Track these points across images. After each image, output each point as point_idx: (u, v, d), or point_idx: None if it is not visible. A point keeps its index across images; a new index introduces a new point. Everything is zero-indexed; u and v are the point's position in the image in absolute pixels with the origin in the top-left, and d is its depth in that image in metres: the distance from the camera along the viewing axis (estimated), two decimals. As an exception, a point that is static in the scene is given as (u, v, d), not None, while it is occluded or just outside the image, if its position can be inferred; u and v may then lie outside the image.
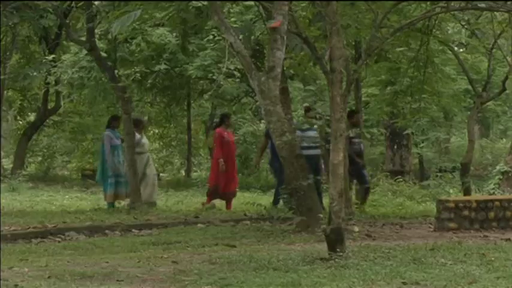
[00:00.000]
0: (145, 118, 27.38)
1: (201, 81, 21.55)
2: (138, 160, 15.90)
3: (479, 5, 12.01)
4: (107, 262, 8.50)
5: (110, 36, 17.72)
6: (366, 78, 19.45)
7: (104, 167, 15.96)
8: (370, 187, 15.62)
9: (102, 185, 16.17)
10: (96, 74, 20.05)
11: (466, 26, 18.67)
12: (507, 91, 19.59)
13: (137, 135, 16.03)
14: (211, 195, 16.21)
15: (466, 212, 11.79)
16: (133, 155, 15.57)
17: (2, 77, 24.25)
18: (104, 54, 17.01)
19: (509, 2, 11.52)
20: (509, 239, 10.45)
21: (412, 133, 23.35)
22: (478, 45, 18.80)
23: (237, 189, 16.82)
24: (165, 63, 19.43)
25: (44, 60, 23.72)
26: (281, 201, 14.19)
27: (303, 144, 14.34)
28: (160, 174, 26.75)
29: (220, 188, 16.06)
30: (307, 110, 15.32)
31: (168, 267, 8.09)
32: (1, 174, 23.46)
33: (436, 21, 14.51)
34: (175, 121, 27.63)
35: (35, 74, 24.81)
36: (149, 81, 19.90)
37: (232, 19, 17.09)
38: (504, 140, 31.08)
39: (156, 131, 31.16)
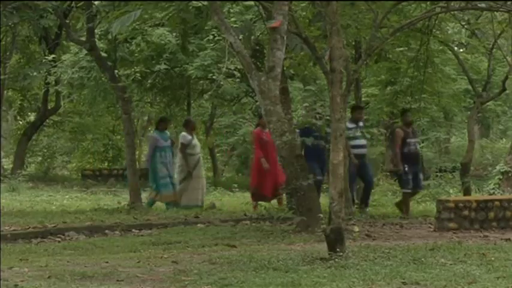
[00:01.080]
0: (146, 118, 27.47)
1: (201, 81, 21.53)
2: (189, 161, 15.84)
3: (479, 5, 12.02)
4: (107, 262, 8.50)
5: (110, 36, 17.72)
6: (366, 78, 19.45)
7: (156, 167, 15.81)
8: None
9: (154, 186, 15.92)
10: (96, 74, 20.04)
11: (466, 26, 18.70)
12: (507, 91, 19.60)
13: (188, 136, 15.91)
14: (255, 196, 15.82)
15: (466, 212, 11.79)
16: (133, 155, 15.56)
17: (2, 77, 24.25)
18: (104, 54, 17.01)
19: (509, 2, 11.52)
20: (509, 239, 10.45)
21: (412, 133, 23.32)
22: (478, 45, 18.82)
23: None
24: (165, 63, 19.40)
25: (44, 60, 23.70)
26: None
27: (353, 143, 14.35)
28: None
29: (263, 190, 15.57)
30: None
31: (168, 267, 8.09)
32: (1, 174, 23.46)
33: (436, 21, 14.51)
34: (175, 121, 27.63)
35: (35, 74, 24.80)
36: (149, 81, 19.89)
37: (232, 19, 17.07)
38: (504, 140, 31.08)
39: (156, 131, 31.12)
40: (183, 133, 16.23)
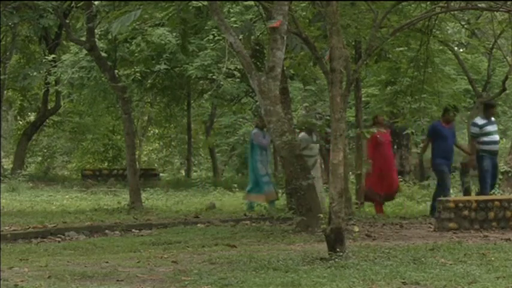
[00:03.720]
0: (146, 118, 27.47)
1: (201, 81, 21.56)
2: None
3: (479, 5, 12.03)
4: (107, 262, 8.50)
5: (110, 36, 17.74)
6: (366, 78, 19.44)
7: (256, 167, 15.55)
8: None
9: (250, 187, 15.69)
10: (96, 74, 20.06)
11: (466, 26, 18.70)
12: (507, 91, 19.59)
13: (307, 138, 15.21)
14: (369, 198, 15.39)
15: (466, 212, 11.78)
16: (133, 155, 15.54)
17: (2, 77, 24.26)
18: (104, 54, 17.02)
19: (509, 2, 11.53)
20: (509, 239, 10.45)
21: (412, 133, 23.35)
22: (478, 45, 18.82)
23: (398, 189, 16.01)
24: (165, 63, 19.42)
25: (44, 60, 23.72)
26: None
27: (483, 139, 14.34)
28: (160, 174, 26.78)
29: (376, 188, 15.23)
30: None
31: (168, 267, 8.09)
32: (1, 174, 23.46)
33: (436, 21, 14.50)
34: (175, 121, 27.66)
35: (35, 74, 24.81)
36: (149, 81, 19.91)
37: (232, 19, 17.09)
38: (504, 140, 31.08)
39: (156, 131, 31.20)
40: (303, 133, 15.35)
